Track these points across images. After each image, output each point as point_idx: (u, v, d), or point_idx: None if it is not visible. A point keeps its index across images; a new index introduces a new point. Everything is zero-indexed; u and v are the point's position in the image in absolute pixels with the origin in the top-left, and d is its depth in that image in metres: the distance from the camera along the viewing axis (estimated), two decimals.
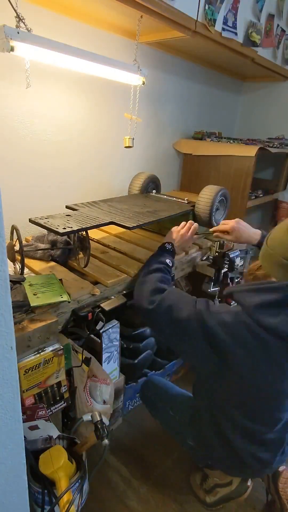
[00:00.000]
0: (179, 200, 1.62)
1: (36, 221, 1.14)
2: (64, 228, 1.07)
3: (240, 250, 1.63)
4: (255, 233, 1.36)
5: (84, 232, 1.17)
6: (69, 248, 1.28)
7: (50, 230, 1.09)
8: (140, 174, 1.76)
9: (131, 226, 1.19)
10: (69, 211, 1.31)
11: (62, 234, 1.06)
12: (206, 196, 1.47)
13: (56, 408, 1.01)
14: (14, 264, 1.15)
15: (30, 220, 1.16)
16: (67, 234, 1.08)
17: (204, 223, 1.50)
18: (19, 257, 1.06)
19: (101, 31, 1.52)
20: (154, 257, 1.25)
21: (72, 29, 1.41)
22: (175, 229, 1.36)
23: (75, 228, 1.09)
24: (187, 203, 1.58)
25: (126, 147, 1.59)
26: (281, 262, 0.93)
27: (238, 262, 1.63)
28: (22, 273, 1.08)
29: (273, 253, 0.95)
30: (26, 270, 1.20)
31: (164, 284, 1.14)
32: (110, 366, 1.41)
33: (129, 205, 1.47)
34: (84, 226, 1.12)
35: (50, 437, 0.98)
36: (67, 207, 1.37)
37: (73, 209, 1.34)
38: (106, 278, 1.16)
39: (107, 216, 1.27)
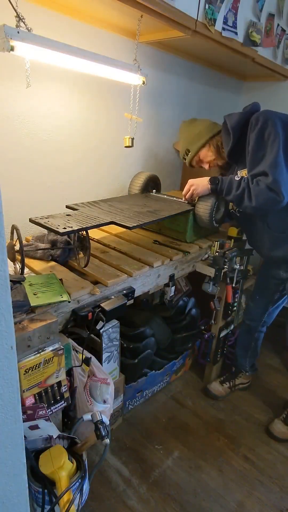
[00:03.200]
0: (179, 200, 1.62)
1: (36, 221, 1.15)
2: (65, 228, 1.07)
3: (239, 250, 1.63)
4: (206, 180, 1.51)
5: (84, 232, 1.17)
6: (69, 248, 1.28)
7: (50, 229, 1.09)
8: (140, 174, 1.76)
9: (131, 226, 1.19)
10: (69, 211, 1.31)
11: (62, 234, 1.06)
12: (207, 196, 1.47)
13: (56, 407, 1.01)
14: (14, 264, 1.15)
15: (31, 220, 1.16)
16: (67, 234, 1.08)
17: (204, 222, 1.49)
18: (19, 257, 1.06)
19: (101, 30, 1.52)
20: (230, 190, 1.39)
21: (72, 28, 1.41)
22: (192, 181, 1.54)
23: (75, 228, 1.09)
24: (187, 202, 1.57)
25: (126, 146, 1.59)
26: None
27: (238, 262, 1.63)
28: (22, 273, 1.08)
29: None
30: (26, 270, 1.20)
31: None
32: (110, 365, 1.41)
33: (129, 204, 1.47)
34: (84, 226, 1.12)
35: (50, 437, 0.98)
36: (67, 206, 1.37)
37: (74, 209, 1.34)
38: (106, 278, 1.16)
39: (107, 216, 1.27)
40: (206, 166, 1.60)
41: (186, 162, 1.64)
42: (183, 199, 1.57)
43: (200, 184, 1.48)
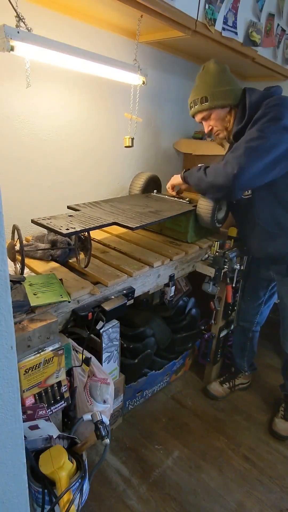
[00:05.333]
0: (181, 200, 1.61)
1: (38, 221, 1.13)
2: (68, 229, 1.06)
3: (240, 250, 1.63)
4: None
5: (86, 233, 1.16)
6: (69, 248, 1.28)
7: (53, 231, 1.08)
8: (141, 174, 1.76)
9: (134, 226, 1.18)
10: (71, 212, 1.30)
11: (66, 235, 1.05)
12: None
13: (56, 407, 1.01)
14: (15, 264, 1.15)
15: (33, 221, 1.15)
16: (71, 235, 1.07)
17: (206, 223, 1.49)
18: (20, 257, 1.06)
19: (101, 30, 1.52)
20: (191, 175, 1.43)
21: (72, 28, 1.41)
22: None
23: (78, 229, 1.08)
24: (189, 203, 1.57)
25: (126, 146, 1.59)
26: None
27: (238, 262, 1.63)
28: (22, 273, 1.08)
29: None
30: (26, 270, 1.20)
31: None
32: (110, 365, 1.41)
33: (131, 205, 1.47)
34: (87, 227, 1.11)
35: (50, 437, 0.98)
36: (68, 207, 1.36)
37: (75, 210, 1.33)
38: (106, 278, 1.16)
39: (109, 216, 1.26)
40: (207, 127, 1.42)
41: (191, 110, 1.41)
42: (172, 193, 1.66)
43: (176, 175, 1.57)
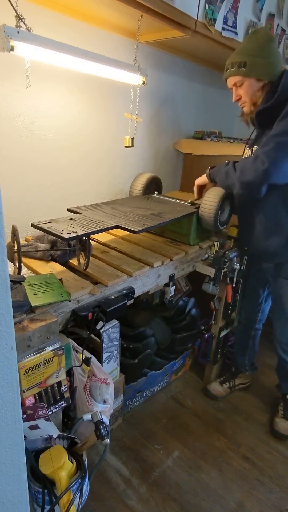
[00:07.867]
0: (182, 202, 1.60)
1: (39, 225, 1.11)
2: (69, 233, 1.05)
3: (240, 250, 1.63)
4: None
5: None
6: (69, 249, 1.27)
7: (54, 235, 1.07)
8: (141, 175, 1.74)
9: (138, 230, 1.16)
10: (72, 215, 1.28)
11: (67, 240, 1.04)
12: (211, 198, 1.43)
13: (56, 407, 1.01)
14: (15, 264, 1.15)
15: (33, 225, 1.13)
16: (72, 239, 1.05)
17: (209, 225, 1.47)
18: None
19: (101, 30, 1.52)
20: (219, 171, 1.41)
21: (72, 28, 1.41)
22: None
23: (80, 233, 1.06)
24: (191, 205, 1.56)
25: (126, 146, 1.59)
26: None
27: (238, 262, 1.63)
28: (19, 273, 1.08)
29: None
30: (26, 270, 1.20)
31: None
32: (110, 365, 1.41)
33: (133, 207, 1.45)
34: (89, 231, 1.09)
35: (50, 437, 0.98)
36: (69, 210, 1.34)
37: (76, 212, 1.31)
38: (106, 278, 1.16)
39: (111, 219, 1.25)
40: (235, 96, 1.37)
41: (226, 72, 1.36)
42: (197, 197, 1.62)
43: (202, 176, 1.55)
